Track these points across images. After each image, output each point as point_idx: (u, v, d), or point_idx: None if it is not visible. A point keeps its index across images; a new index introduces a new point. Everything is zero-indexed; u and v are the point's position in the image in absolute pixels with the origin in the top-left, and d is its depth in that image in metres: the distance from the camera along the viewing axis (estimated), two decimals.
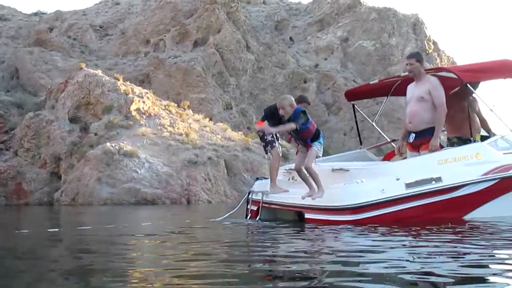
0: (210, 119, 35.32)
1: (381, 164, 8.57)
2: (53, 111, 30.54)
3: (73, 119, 29.72)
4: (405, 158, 8.58)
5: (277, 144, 8.95)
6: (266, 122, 8.51)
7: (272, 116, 8.54)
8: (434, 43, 57.10)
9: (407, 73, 8.33)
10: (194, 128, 30.97)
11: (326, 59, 50.88)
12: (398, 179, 7.33)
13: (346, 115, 45.70)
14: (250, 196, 9.11)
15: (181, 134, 29.30)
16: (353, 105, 10.49)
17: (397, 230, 6.06)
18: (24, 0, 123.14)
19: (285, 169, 9.28)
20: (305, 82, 47.67)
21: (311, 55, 50.97)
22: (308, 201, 7.65)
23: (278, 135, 9.02)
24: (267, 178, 9.59)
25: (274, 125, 8.12)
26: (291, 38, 52.89)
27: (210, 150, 28.49)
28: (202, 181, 26.52)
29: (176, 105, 34.20)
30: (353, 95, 10.50)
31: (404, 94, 8.83)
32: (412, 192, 7.26)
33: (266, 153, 9.03)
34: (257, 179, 9.80)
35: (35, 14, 51.92)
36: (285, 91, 45.04)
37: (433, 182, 7.35)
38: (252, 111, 43.27)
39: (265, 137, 8.86)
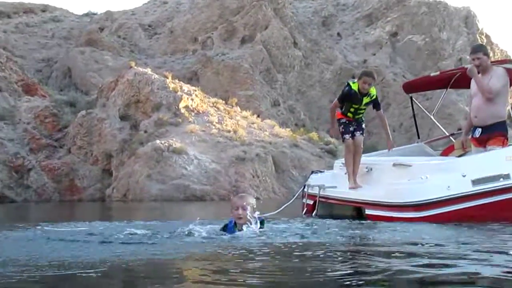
0: (258, 116, 35.29)
1: (447, 160, 8.22)
2: (104, 109, 30.99)
3: (124, 117, 30.12)
4: (466, 153, 8.21)
5: (350, 135, 8.46)
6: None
7: (350, 98, 8.24)
8: (487, 36, 55.25)
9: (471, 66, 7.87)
10: (242, 125, 31.04)
11: (374, 54, 49.95)
12: (464, 176, 7.04)
13: (395, 111, 44.80)
14: (305, 190, 8.99)
15: (229, 131, 29.46)
16: (411, 98, 10.26)
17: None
18: (75, 2, 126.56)
19: (342, 163, 9.02)
20: (353, 78, 47.00)
21: (359, 51, 50.16)
22: (370, 197, 7.48)
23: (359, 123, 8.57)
24: (323, 172, 9.65)
25: (349, 108, 7.89)
26: (338, 34, 52.23)
27: (258, 146, 28.57)
28: (250, 177, 26.65)
29: (224, 102, 34.28)
30: (411, 87, 10.32)
31: (464, 86, 8.48)
32: (479, 190, 6.97)
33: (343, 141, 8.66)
34: (313, 172, 9.71)
35: (86, 15, 53.08)
36: (332, 87, 44.71)
37: (501, 179, 7.05)
38: (299, 107, 42.99)
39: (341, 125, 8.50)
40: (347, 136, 8.41)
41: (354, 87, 8.26)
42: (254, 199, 5.21)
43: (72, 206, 22.00)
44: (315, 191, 8.63)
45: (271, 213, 8.53)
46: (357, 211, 8.02)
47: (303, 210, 8.77)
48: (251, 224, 5.00)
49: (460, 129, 10.32)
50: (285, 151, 29.32)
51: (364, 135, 8.61)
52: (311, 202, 8.72)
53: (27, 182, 28.38)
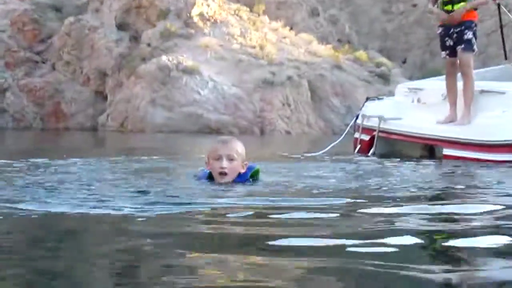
0: (291, 29, 34.83)
1: None
2: (97, 15, 30.89)
3: (122, 26, 29.99)
4: None
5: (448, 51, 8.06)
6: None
7: None
8: None
9: None
10: (271, 39, 30.85)
11: None
12: None
13: None
14: (359, 122, 8.90)
15: (254, 47, 29.37)
16: (499, 5, 9.70)
17: None
18: None
19: (408, 88, 9.00)
20: None
21: None
22: (449, 133, 7.35)
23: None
24: (382, 99, 9.61)
25: None
26: None
27: (290, 67, 28.54)
28: (279, 106, 26.91)
29: (248, 9, 33.86)
30: None
31: None
32: None
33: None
34: (368, 99, 9.57)
35: None
36: None
37: None
38: (344, 18, 42.13)
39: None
40: (443, 54, 8.18)
41: None
42: (243, 145, 4.61)
43: (56, 136, 22.16)
44: (373, 123, 8.53)
45: (314, 153, 8.52)
46: (429, 150, 7.98)
47: (355, 148, 8.73)
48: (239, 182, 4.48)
49: None
50: (324, 74, 29.27)
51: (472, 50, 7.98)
52: (367, 138, 8.63)
53: (2, 105, 28.67)
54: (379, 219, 2.87)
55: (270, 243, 2.25)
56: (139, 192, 3.83)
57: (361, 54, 32.91)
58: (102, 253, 2.21)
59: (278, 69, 27.83)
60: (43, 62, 30.31)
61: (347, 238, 2.28)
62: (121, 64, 28.61)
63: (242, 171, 4.50)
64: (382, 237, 2.30)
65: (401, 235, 2.37)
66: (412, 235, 2.39)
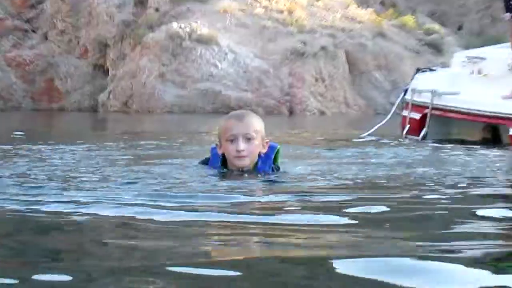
0: None
1: None
2: None
3: None
4: None
5: None
6: None
7: None
8: None
9: None
10: (301, 2, 30.76)
11: None
12: None
13: None
14: (409, 97, 9.00)
15: (281, 11, 29.36)
16: None
17: None
18: None
19: (467, 57, 8.95)
20: None
21: None
22: None
23: None
24: (435, 70, 9.72)
25: None
26: None
27: (325, 36, 28.49)
28: (311, 81, 26.94)
29: None
30: None
31: None
32: None
33: None
34: (419, 71, 9.67)
35: None
36: None
37: None
38: None
39: None
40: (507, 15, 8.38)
41: None
42: (262, 120, 4.51)
43: (48, 118, 22.34)
44: (425, 99, 8.57)
45: (358, 137, 8.85)
46: (492, 132, 8.03)
47: (403, 129, 8.79)
48: (260, 172, 4.38)
49: None
50: (365, 43, 29.15)
51: None
52: (418, 117, 8.64)
53: None
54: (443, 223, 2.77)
55: None
56: (130, 186, 3.79)
57: (409, 19, 32.54)
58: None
59: (310, 38, 27.71)
60: (34, 32, 30.35)
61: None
62: (125, 33, 28.66)
63: (264, 151, 4.38)
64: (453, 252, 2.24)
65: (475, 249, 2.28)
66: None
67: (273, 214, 2.96)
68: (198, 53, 26.20)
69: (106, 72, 28.83)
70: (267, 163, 4.42)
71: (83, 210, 3.01)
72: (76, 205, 3.14)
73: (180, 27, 26.66)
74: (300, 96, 26.43)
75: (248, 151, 4.27)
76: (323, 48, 27.50)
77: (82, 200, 3.23)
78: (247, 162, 4.32)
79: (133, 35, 28.17)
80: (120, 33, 28.85)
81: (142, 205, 3.09)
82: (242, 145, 4.24)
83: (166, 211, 2.97)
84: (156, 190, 3.65)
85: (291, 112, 26.07)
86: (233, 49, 26.79)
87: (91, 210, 3.00)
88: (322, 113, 26.38)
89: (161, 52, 26.23)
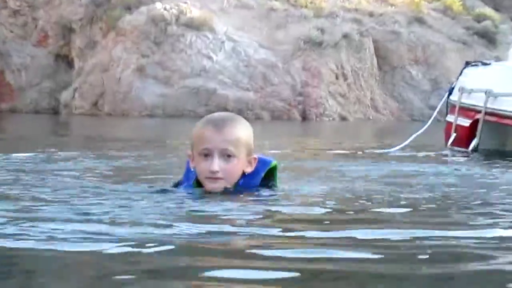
0: None
1: None
2: None
3: None
4: None
5: None
6: None
7: None
8: None
9: None
10: None
11: None
12: None
13: None
14: (455, 99, 8.90)
15: None
16: None
17: None
18: None
19: None
20: None
21: None
22: None
23: None
24: (489, 64, 9.68)
25: None
26: None
27: (347, 21, 29.09)
28: (330, 78, 27.43)
29: None
30: None
31: None
32: None
33: None
34: (469, 64, 9.67)
35: None
36: None
37: None
38: None
39: None
40: None
41: None
42: (251, 128, 4.46)
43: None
44: (477, 101, 8.45)
45: (388, 150, 8.72)
46: None
47: (448, 139, 8.63)
48: (243, 190, 4.34)
49: None
50: (398, 30, 29.67)
51: None
52: (467, 123, 8.44)
53: None
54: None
55: None
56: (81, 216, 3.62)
57: (454, 2, 32.70)
58: None
59: (329, 24, 28.11)
60: None
61: None
62: (95, 15, 28.78)
63: (249, 170, 4.30)
64: None
65: None
66: None
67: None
68: (187, 41, 26.55)
69: (70, 64, 29.23)
70: (255, 179, 4.33)
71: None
72: None
73: (165, 8, 26.85)
74: (315, 97, 26.69)
75: (224, 172, 4.17)
76: (345, 36, 27.96)
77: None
78: (221, 186, 4.22)
79: (105, 18, 28.33)
80: (89, 15, 29.03)
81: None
82: (217, 164, 4.13)
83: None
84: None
85: (304, 117, 26.38)
86: (231, 37, 27.07)
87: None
88: (343, 118, 26.67)
89: (140, 40, 26.55)
